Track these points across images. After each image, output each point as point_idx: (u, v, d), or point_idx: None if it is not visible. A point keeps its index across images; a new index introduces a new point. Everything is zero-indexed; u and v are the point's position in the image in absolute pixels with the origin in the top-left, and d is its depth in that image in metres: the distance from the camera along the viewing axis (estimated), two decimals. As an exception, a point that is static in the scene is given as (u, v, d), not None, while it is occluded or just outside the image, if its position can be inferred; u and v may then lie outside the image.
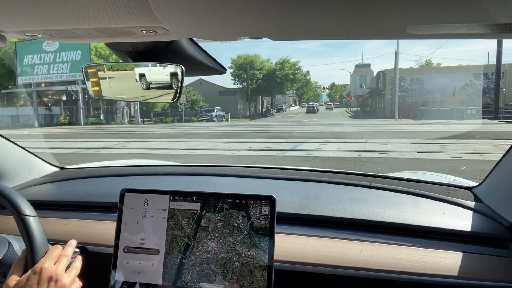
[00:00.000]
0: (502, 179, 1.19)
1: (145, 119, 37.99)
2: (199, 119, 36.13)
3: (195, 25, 0.72)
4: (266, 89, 50.99)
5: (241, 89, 50.52)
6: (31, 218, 0.91)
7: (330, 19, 0.66)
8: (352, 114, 48.29)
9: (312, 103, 70.61)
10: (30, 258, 0.88)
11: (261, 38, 0.81)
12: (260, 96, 56.07)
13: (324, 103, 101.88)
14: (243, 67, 49.92)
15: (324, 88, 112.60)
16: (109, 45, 0.99)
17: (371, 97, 48.92)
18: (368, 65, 73.66)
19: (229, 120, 38.19)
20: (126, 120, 33.94)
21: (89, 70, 1.04)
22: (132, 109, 35.88)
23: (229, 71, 49.40)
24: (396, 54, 35.31)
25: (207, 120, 35.05)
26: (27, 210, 0.92)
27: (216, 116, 37.44)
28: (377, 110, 42.68)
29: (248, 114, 48.98)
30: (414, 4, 0.57)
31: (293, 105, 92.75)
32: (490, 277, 0.94)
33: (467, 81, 35.24)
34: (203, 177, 1.58)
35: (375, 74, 53.33)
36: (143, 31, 0.76)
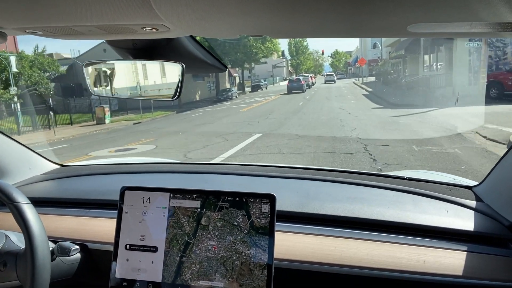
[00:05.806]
0: (502, 178, 1.18)
1: None
2: None
3: (196, 22, 0.71)
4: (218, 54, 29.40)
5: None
6: (24, 205, 0.91)
7: (331, 17, 0.66)
8: (370, 90, 25.48)
9: (299, 75, 45.81)
10: (29, 246, 0.88)
11: (261, 36, 0.81)
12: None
13: (326, 73, 74.77)
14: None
15: (322, 53, 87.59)
16: (110, 42, 0.99)
17: (405, 57, 26.45)
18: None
19: (105, 121, 18.58)
20: None
21: (89, 68, 1.04)
22: None
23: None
24: None
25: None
26: (20, 197, 0.91)
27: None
28: (419, 86, 19.20)
29: (178, 102, 23.60)
30: (416, 3, 0.57)
31: (287, 78, 63.70)
32: (490, 276, 0.94)
33: None
34: (204, 175, 1.58)
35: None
36: (144, 29, 0.76)
